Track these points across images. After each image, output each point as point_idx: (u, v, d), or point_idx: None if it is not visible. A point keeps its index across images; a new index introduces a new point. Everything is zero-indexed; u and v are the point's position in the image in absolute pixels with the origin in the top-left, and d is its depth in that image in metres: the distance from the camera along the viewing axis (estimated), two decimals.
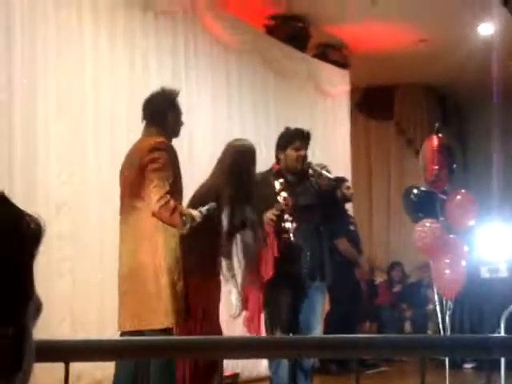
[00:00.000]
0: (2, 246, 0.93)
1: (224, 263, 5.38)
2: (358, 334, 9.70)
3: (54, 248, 6.14)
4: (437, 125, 7.58)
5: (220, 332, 5.34)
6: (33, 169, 6.14)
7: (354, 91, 11.83)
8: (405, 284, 12.27)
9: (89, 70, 6.77)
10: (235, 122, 8.85)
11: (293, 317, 5.74)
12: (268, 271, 5.56)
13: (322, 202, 5.87)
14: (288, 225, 5.70)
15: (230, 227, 5.30)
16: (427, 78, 12.97)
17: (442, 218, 6.92)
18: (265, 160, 8.04)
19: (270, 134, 9.07)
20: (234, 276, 5.45)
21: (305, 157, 5.96)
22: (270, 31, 9.85)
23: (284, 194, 5.79)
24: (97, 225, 6.27)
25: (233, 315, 5.66)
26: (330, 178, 5.91)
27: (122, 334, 4.91)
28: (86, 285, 6.45)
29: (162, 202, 4.77)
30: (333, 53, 11.01)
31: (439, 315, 6.99)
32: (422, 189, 7.31)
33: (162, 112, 5.10)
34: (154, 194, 4.79)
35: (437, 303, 7.04)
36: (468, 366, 9.60)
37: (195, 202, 5.22)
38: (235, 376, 7.83)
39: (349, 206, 9.40)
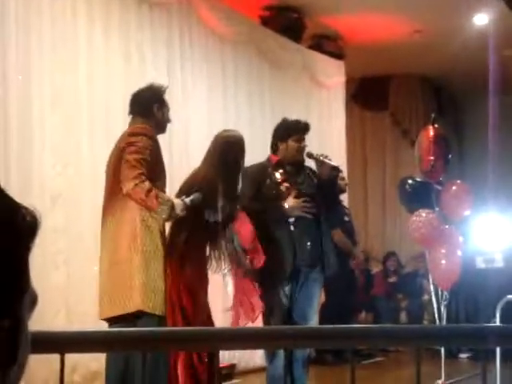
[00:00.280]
0: None
1: (213, 254, 5.35)
2: (353, 324, 9.72)
3: (49, 240, 6.14)
4: (433, 115, 7.59)
5: (211, 324, 5.34)
6: (28, 161, 6.14)
7: (349, 82, 11.83)
8: (400, 274, 12.30)
9: (84, 62, 6.76)
10: (230, 113, 8.85)
11: (290, 308, 5.75)
12: (259, 259, 5.57)
13: (322, 192, 5.88)
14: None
15: (219, 219, 5.29)
16: (422, 69, 12.97)
17: (437, 209, 6.93)
18: (260, 150, 8.05)
19: (265, 124, 9.07)
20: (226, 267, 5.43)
21: (304, 148, 5.98)
22: (265, 22, 9.84)
23: (286, 184, 5.79)
24: (91, 217, 6.26)
25: (228, 309, 5.65)
26: (332, 167, 5.91)
27: (111, 325, 4.86)
28: (80, 276, 6.45)
29: (136, 181, 4.69)
30: (328, 44, 11.00)
31: (435, 305, 7.01)
32: (418, 179, 7.32)
33: (149, 107, 5.05)
34: (128, 174, 4.72)
35: (432, 293, 7.05)
36: (464, 355, 9.63)
37: (182, 193, 5.18)
38: (232, 367, 7.85)
39: (343, 197, 9.40)
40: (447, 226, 6.96)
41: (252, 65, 9.35)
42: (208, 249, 5.30)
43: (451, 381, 7.27)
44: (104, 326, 4.88)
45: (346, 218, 9.22)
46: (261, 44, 9.45)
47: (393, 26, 10.74)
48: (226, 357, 7.77)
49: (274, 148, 6.00)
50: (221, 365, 7.28)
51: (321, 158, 5.88)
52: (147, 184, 4.72)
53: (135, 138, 4.85)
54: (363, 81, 13.50)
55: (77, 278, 6.44)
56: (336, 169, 6.01)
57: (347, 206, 9.83)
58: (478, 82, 11.59)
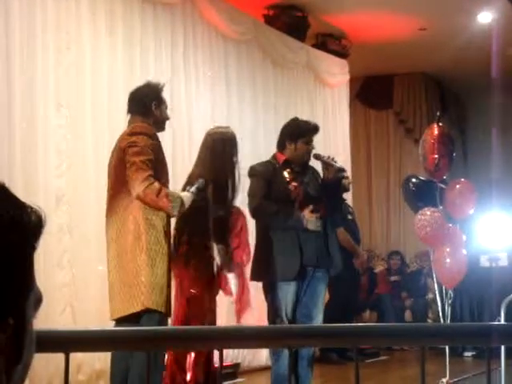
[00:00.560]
0: (3, 238, 0.93)
1: (216, 248, 5.37)
2: (357, 322, 9.72)
3: (54, 240, 6.15)
4: (438, 114, 7.58)
5: (214, 320, 5.37)
6: (33, 161, 6.14)
7: (353, 80, 11.82)
8: (405, 273, 12.29)
9: (87, 62, 6.76)
10: (234, 112, 8.84)
11: (295, 306, 5.75)
12: (242, 256, 5.61)
13: (327, 192, 5.89)
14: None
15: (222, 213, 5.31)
16: (426, 67, 12.96)
17: (441, 207, 6.93)
18: (264, 149, 8.05)
19: (268, 123, 9.08)
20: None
21: (312, 150, 5.99)
22: (269, 21, 9.83)
23: (294, 183, 5.80)
24: (96, 216, 6.26)
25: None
26: (338, 169, 5.92)
27: (117, 323, 4.88)
28: (85, 276, 6.46)
29: (146, 183, 4.70)
30: (332, 42, 10.99)
31: (439, 304, 7.00)
32: (422, 178, 7.32)
33: (147, 105, 5.03)
34: (137, 177, 4.72)
35: (436, 292, 7.05)
36: (468, 354, 9.62)
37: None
38: (236, 366, 7.85)
39: (347, 196, 9.41)
40: (451, 225, 6.96)
41: (256, 64, 9.34)
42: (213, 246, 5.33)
43: (456, 379, 7.26)
44: (109, 325, 4.89)
45: (350, 217, 9.22)
46: (264, 43, 9.44)
47: (397, 24, 10.72)
48: (229, 356, 7.78)
49: (282, 147, 5.98)
50: (224, 364, 7.29)
51: (328, 160, 5.90)
52: (156, 185, 4.74)
53: (136, 138, 4.84)
54: (367, 79, 13.49)
55: (81, 277, 6.45)
56: (342, 171, 6.02)
57: (351, 205, 9.82)
58: (482, 80, 11.58)
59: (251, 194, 5.85)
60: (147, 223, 4.80)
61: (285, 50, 9.78)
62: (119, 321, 4.86)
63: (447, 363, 6.76)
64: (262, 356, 8.30)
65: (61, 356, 1.71)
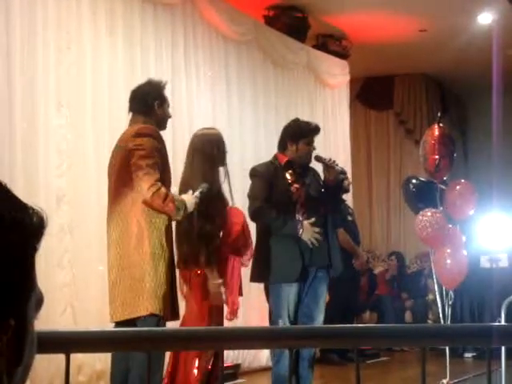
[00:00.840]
0: (5, 239, 0.93)
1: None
2: (357, 323, 9.72)
3: (54, 240, 6.14)
4: (439, 114, 7.58)
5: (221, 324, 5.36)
6: (33, 161, 6.14)
7: (353, 81, 11.83)
8: (405, 274, 12.28)
9: (88, 63, 6.76)
10: (234, 113, 8.85)
11: (296, 307, 5.75)
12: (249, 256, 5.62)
13: (328, 193, 5.88)
14: (298, 216, 5.71)
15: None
16: (427, 68, 12.96)
17: (441, 208, 6.93)
18: (265, 150, 8.05)
19: (269, 124, 9.08)
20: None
21: (313, 151, 5.98)
22: (269, 22, 9.83)
23: (296, 185, 5.79)
24: (96, 217, 6.27)
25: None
26: (339, 171, 5.92)
27: (116, 325, 4.87)
28: (85, 276, 6.46)
29: (154, 189, 4.69)
30: (332, 43, 11.00)
31: (439, 305, 7.00)
32: (422, 179, 7.32)
33: (150, 104, 4.99)
34: (145, 182, 4.71)
35: (437, 293, 7.05)
36: (469, 355, 9.62)
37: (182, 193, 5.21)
38: (236, 367, 7.85)
39: (347, 197, 9.41)
40: (453, 226, 6.96)
41: (256, 64, 9.35)
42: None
43: (456, 380, 7.26)
44: (109, 326, 4.88)
45: (350, 218, 9.22)
46: (265, 44, 9.45)
47: (397, 25, 10.73)
48: (229, 357, 7.78)
49: (283, 147, 5.97)
50: (225, 364, 7.30)
51: (329, 163, 5.90)
52: (163, 190, 4.74)
53: (141, 140, 4.81)
54: (368, 80, 13.49)
55: (82, 277, 6.45)
56: (343, 173, 6.02)
57: (351, 206, 9.82)
58: (482, 81, 11.57)
59: (252, 196, 5.85)
60: (151, 226, 4.78)
61: (285, 50, 9.78)
62: (118, 323, 4.85)
63: (447, 364, 6.76)
64: (263, 357, 8.30)
65: (61, 357, 1.71)
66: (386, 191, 13.83)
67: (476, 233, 7.73)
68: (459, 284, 7.01)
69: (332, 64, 10.89)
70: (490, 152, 12.00)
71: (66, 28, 6.57)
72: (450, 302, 6.93)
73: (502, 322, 5.78)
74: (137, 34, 7.37)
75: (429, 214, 6.86)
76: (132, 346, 1.93)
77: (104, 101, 6.89)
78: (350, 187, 8.63)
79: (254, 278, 5.82)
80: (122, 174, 4.85)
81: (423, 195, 7.07)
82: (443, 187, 6.99)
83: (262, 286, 5.94)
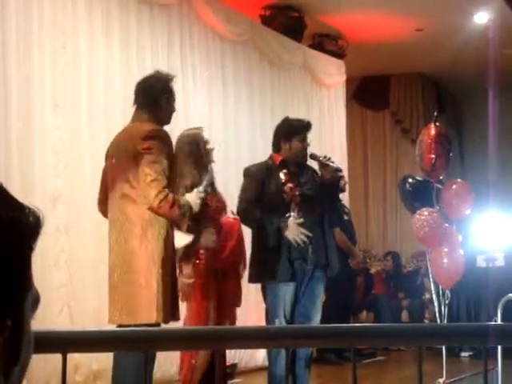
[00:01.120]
0: (1, 239, 0.93)
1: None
2: (354, 323, 9.73)
3: (51, 240, 6.14)
4: (435, 114, 7.58)
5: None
6: (29, 161, 6.14)
7: (349, 81, 11.83)
8: (401, 273, 12.29)
9: (84, 63, 6.76)
10: (231, 113, 8.85)
11: (293, 307, 5.75)
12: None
13: (325, 192, 5.86)
14: (294, 215, 5.70)
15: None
16: (423, 68, 12.97)
17: (437, 208, 6.93)
18: (261, 150, 8.05)
19: (265, 124, 9.07)
20: None
21: (307, 148, 5.95)
22: (266, 21, 9.83)
23: (290, 184, 5.77)
24: (92, 216, 6.26)
25: None
26: (335, 169, 5.89)
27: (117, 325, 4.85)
28: (82, 276, 6.46)
29: (161, 196, 4.62)
30: (328, 43, 11.00)
31: (436, 304, 7.00)
32: (418, 178, 7.32)
33: (155, 97, 4.87)
34: (153, 189, 4.62)
35: (433, 292, 7.05)
36: (465, 354, 9.63)
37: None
38: (233, 366, 7.85)
39: (343, 196, 9.42)
40: (449, 225, 6.96)
41: (252, 64, 9.35)
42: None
43: (453, 379, 7.27)
44: (106, 325, 4.88)
45: (346, 217, 9.22)
46: (261, 43, 9.45)
47: (393, 24, 10.73)
48: (226, 356, 7.77)
49: (277, 147, 5.96)
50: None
51: (324, 160, 5.87)
52: (170, 196, 4.66)
53: (150, 144, 4.68)
54: (364, 80, 13.50)
55: (78, 277, 6.45)
56: (338, 170, 5.99)
57: (347, 205, 9.83)
58: (478, 80, 11.59)
59: (240, 196, 5.86)
60: (154, 230, 4.71)
61: (281, 50, 9.78)
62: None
63: (444, 363, 6.76)
64: (259, 356, 8.30)
65: (58, 357, 1.71)
66: (383, 191, 13.84)
67: (472, 232, 7.74)
68: (456, 283, 7.01)
69: (328, 64, 10.90)
70: (486, 151, 12.00)
71: (61, 28, 6.57)
72: (447, 302, 6.94)
73: (499, 322, 5.78)
74: (133, 35, 7.37)
75: (426, 213, 6.86)
76: (129, 346, 1.93)
77: (100, 101, 6.89)
78: (346, 187, 8.64)
79: (252, 278, 5.82)
80: (126, 175, 4.76)
81: (419, 194, 7.07)
82: (439, 186, 6.99)
83: (258, 286, 5.94)
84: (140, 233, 4.70)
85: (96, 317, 6.02)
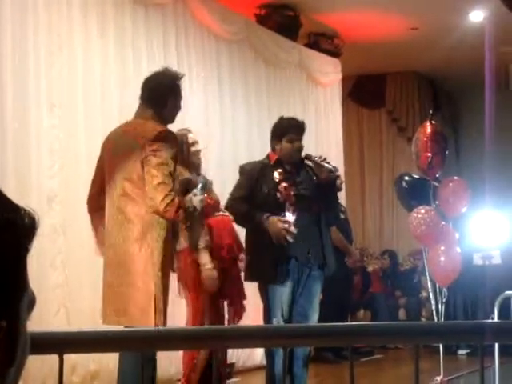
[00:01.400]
0: None
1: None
2: (351, 322, 9.73)
3: (47, 241, 6.13)
4: (431, 112, 7.58)
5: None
6: (25, 162, 6.13)
7: (345, 80, 11.83)
8: (398, 272, 12.30)
9: (80, 64, 6.75)
10: (227, 112, 8.85)
11: (291, 306, 5.75)
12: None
13: (321, 191, 5.84)
14: (289, 214, 5.68)
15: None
16: (419, 66, 12.98)
17: (434, 205, 6.93)
18: (257, 149, 8.05)
19: (261, 123, 9.08)
20: None
21: (300, 148, 5.91)
22: (261, 20, 9.83)
23: (284, 183, 5.75)
24: (88, 217, 6.26)
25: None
26: (330, 170, 5.86)
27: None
28: (78, 277, 6.45)
29: (168, 200, 4.56)
30: (324, 41, 11.00)
31: (433, 302, 7.01)
32: (415, 176, 7.33)
33: (162, 95, 4.80)
34: (159, 192, 4.56)
35: (430, 290, 7.06)
36: (462, 352, 9.64)
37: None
38: (230, 365, 7.85)
39: (339, 195, 9.40)
40: (444, 223, 6.97)
41: (248, 63, 9.34)
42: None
43: (450, 377, 7.27)
44: (103, 326, 4.87)
45: (342, 216, 9.22)
46: (256, 43, 9.44)
47: (389, 23, 10.74)
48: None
49: (272, 147, 5.97)
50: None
51: (319, 160, 5.85)
52: (176, 201, 4.61)
53: (159, 145, 4.62)
54: (360, 78, 13.50)
55: (75, 277, 6.44)
56: (333, 171, 5.96)
57: (343, 204, 9.82)
58: (474, 78, 11.59)
59: (230, 193, 5.88)
60: (155, 232, 4.66)
61: (277, 49, 9.78)
62: None
63: (441, 361, 6.76)
64: (257, 355, 8.30)
65: (55, 357, 1.70)
66: (379, 189, 13.85)
67: (469, 230, 7.74)
68: (453, 281, 7.01)
69: (324, 62, 10.90)
70: (482, 149, 12.01)
71: (56, 31, 6.56)
72: (444, 300, 6.94)
73: (495, 319, 5.79)
74: (128, 35, 7.36)
75: (423, 211, 6.87)
76: (126, 346, 1.92)
77: (96, 102, 6.88)
78: (343, 186, 8.63)
79: (247, 277, 5.82)
80: (129, 173, 4.70)
81: (416, 192, 7.07)
82: (436, 184, 6.99)
83: (255, 284, 5.93)
84: (140, 234, 4.65)
85: (93, 317, 6.01)
